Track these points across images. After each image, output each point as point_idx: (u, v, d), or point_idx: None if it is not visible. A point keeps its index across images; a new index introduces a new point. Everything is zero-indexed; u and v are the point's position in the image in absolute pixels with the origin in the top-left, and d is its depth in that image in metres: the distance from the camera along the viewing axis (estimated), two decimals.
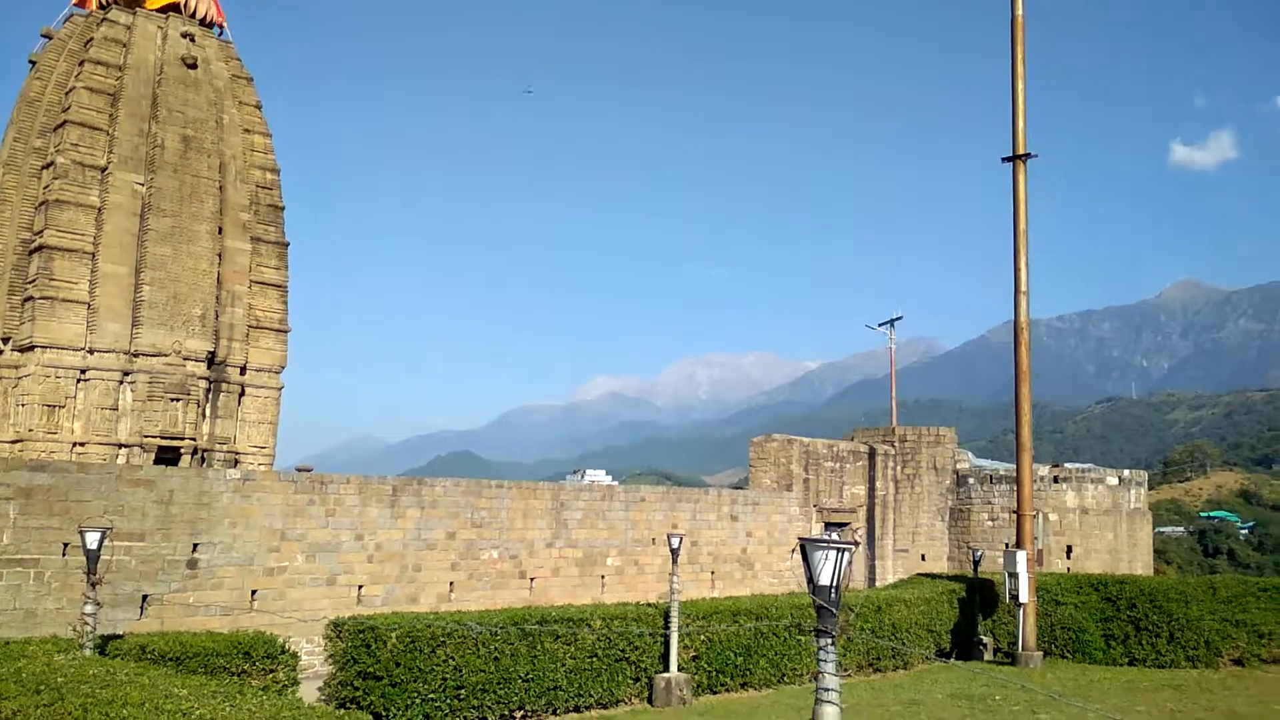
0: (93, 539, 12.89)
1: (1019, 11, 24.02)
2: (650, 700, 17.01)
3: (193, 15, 31.43)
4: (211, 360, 29.39)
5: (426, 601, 21.77)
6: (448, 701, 14.98)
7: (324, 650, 15.45)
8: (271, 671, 14.19)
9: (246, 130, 31.77)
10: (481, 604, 21.90)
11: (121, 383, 27.75)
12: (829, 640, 6.31)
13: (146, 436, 27.62)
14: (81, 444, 26.94)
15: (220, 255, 29.91)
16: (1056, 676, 20.28)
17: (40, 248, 27.23)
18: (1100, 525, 34.69)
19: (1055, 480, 34.86)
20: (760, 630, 18.50)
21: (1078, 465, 39.62)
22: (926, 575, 27.02)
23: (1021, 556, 22.17)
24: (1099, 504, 34.94)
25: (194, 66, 30.34)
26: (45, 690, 8.53)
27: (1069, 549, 34.18)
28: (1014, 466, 26.16)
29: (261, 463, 30.14)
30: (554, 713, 16.17)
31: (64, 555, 17.33)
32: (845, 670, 19.93)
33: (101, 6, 30.62)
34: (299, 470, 22.88)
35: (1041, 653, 22.25)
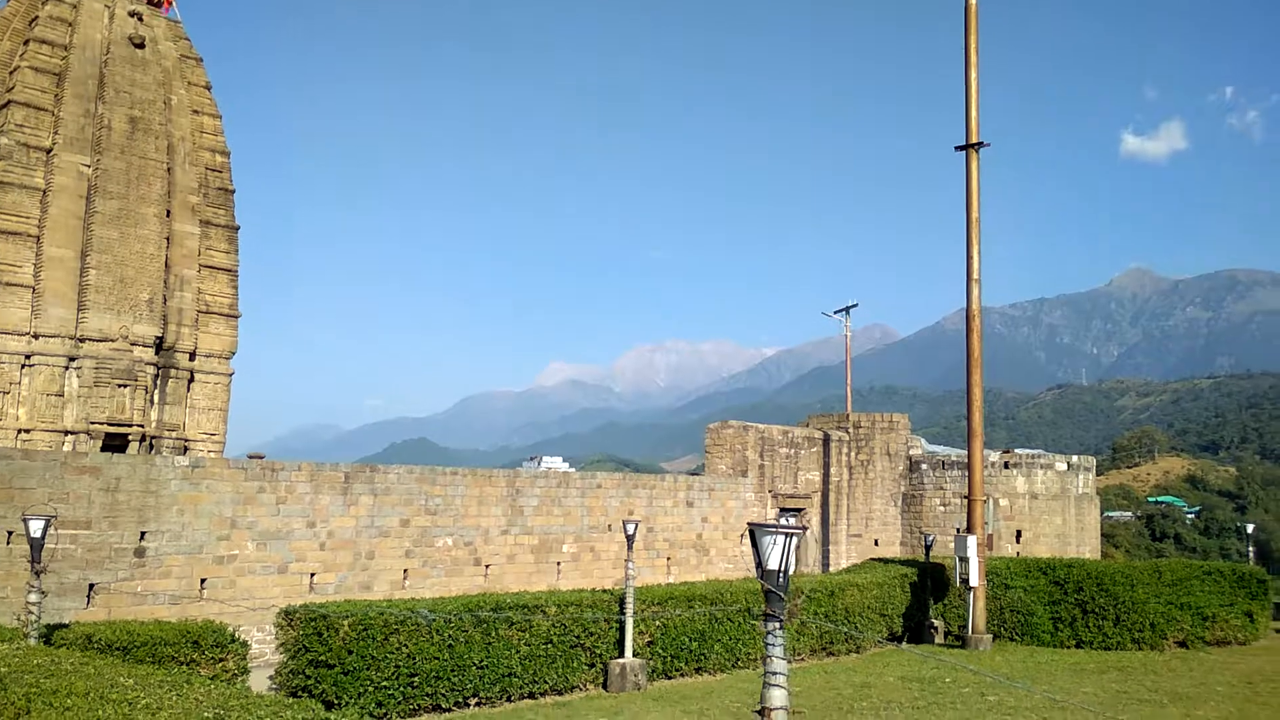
0: (36, 527, 12.70)
1: (972, 1, 24.25)
2: (605, 686, 17.07)
3: None
4: (160, 346, 28.94)
5: (380, 589, 21.65)
6: (401, 689, 14.91)
7: (275, 639, 15.31)
8: (221, 660, 14.08)
9: (195, 111, 31.23)
10: (436, 591, 21.84)
11: (67, 368, 27.24)
12: (777, 624, 6.35)
13: (93, 423, 27.16)
14: (26, 430, 26.45)
15: (169, 239, 29.44)
16: (1005, 659, 20.59)
17: None
18: (1049, 510, 35.23)
19: (1006, 466, 35.34)
20: (715, 615, 18.60)
21: (1028, 451, 40.18)
22: (879, 560, 27.30)
23: (972, 541, 22.46)
24: (1048, 489, 35.48)
25: (141, 46, 29.75)
26: None
27: (1019, 533, 34.70)
28: (965, 452, 26.49)
29: (211, 450, 29.77)
30: (508, 700, 16.16)
31: (8, 544, 17.03)
32: (799, 654, 20.12)
33: None
34: (250, 457, 22.65)
35: (991, 636, 22.58)
